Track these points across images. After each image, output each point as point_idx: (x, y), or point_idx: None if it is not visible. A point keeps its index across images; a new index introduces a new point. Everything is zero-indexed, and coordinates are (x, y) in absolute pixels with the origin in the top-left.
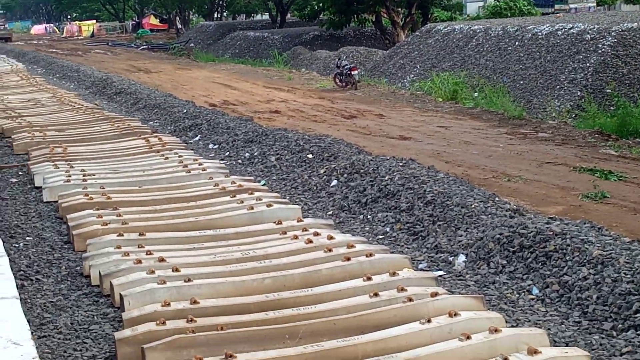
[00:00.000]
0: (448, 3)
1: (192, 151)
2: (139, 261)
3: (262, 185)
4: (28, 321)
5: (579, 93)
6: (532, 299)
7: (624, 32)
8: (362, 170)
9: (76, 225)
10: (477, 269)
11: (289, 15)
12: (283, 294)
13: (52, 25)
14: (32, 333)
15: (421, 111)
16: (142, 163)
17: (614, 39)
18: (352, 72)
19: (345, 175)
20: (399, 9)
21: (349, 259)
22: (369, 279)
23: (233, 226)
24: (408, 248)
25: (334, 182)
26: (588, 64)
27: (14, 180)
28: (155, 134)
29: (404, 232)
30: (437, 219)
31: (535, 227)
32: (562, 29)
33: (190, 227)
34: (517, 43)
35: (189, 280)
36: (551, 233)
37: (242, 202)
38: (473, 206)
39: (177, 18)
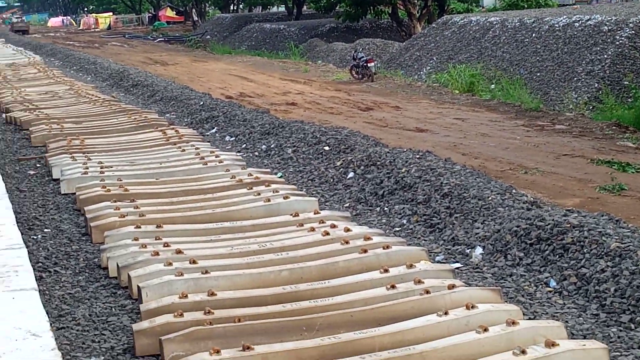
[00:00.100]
0: None
1: (208, 143)
2: (157, 253)
3: (279, 177)
4: (47, 313)
5: (596, 85)
6: (550, 292)
7: None
8: (378, 163)
9: (94, 217)
10: (494, 262)
11: (305, 7)
12: (300, 286)
13: (69, 17)
14: (50, 324)
15: (438, 103)
16: (159, 155)
17: (632, 31)
18: (369, 64)
19: (362, 167)
20: (416, 1)
21: (365, 251)
22: (386, 271)
23: (250, 218)
24: (425, 240)
25: (351, 175)
26: (605, 56)
27: (31, 172)
28: (172, 126)
29: (420, 224)
30: (454, 211)
31: (553, 220)
32: (579, 21)
33: (207, 219)
34: (534, 35)
35: (206, 272)
36: (569, 225)
37: (259, 194)
38: (490, 198)
39: (194, 10)
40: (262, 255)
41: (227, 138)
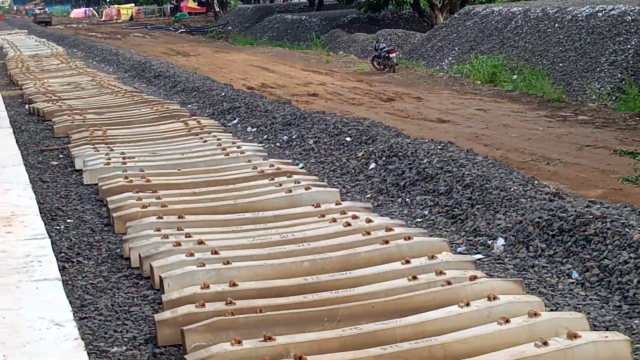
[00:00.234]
0: None
1: (230, 134)
2: (179, 244)
3: (301, 168)
4: (70, 303)
5: (619, 75)
6: (572, 283)
7: None
8: (400, 153)
9: (116, 208)
10: (516, 253)
11: None
12: (321, 276)
13: (91, 8)
14: (73, 314)
15: (459, 94)
16: (181, 146)
17: None
18: (390, 55)
19: (384, 158)
20: None
21: (387, 242)
22: (408, 262)
23: (271, 209)
24: (446, 231)
25: (372, 165)
26: (629, 46)
27: (54, 163)
28: (193, 117)
29: (442, 215)
30: (476, 202)
31: (575, 211)
32: (602, 10)
33: (228, 209)
34: (556, 25)
35: (228, 262)
36: (591, 216)
37: (281, 185)
38: (512, 189)
39: (215, 1)
40: (284, 246)
41: (249, 129)
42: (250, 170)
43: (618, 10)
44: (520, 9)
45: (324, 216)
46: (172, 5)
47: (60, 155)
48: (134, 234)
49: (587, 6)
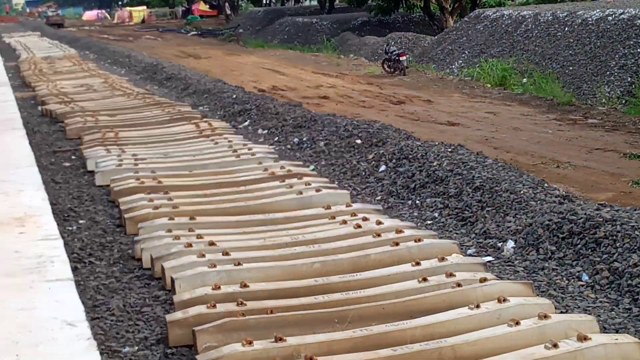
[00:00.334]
0: None
1: (241, 136)
2: (190, 245)
3: (311, 170)
4: (82, 303)
5: (629, 79)
6: (582, 286)
7: None
8: (410, 156)
9: (128, 209)
10: (526, 255)
11: (337, 1)
12: (332, 278)
13: (103, 11)
14: (86, 314)
15: (469, 97)
16: (192, 148)
17: None
18: (401, 58)
19: (394, 160)
20: None
21: (397, 244)
22: (418, 264)
23: (282, 211)
24: (456, 234)
25: (383, 168)
26: (639, 50)
27: (67, 164)
28: (205, 119)
29: (452, 217)
30: (486, 204)
31: (585, 214)
32: (612, 14)
33: (239, 211)
34: (566, 29)
35: (239, 264)
36: (601, 219)
37: (291, 186)
38: (522, 192)
39: (227, 4)
40: (294, 247)
41: (260, 131)
42: (261, 172)
43: (628, 14)
44: (530, 12)
45: (334, 218)
46: (183, 8)
47: (73, 157)
48: (146, 235)
49: (597, 10)
